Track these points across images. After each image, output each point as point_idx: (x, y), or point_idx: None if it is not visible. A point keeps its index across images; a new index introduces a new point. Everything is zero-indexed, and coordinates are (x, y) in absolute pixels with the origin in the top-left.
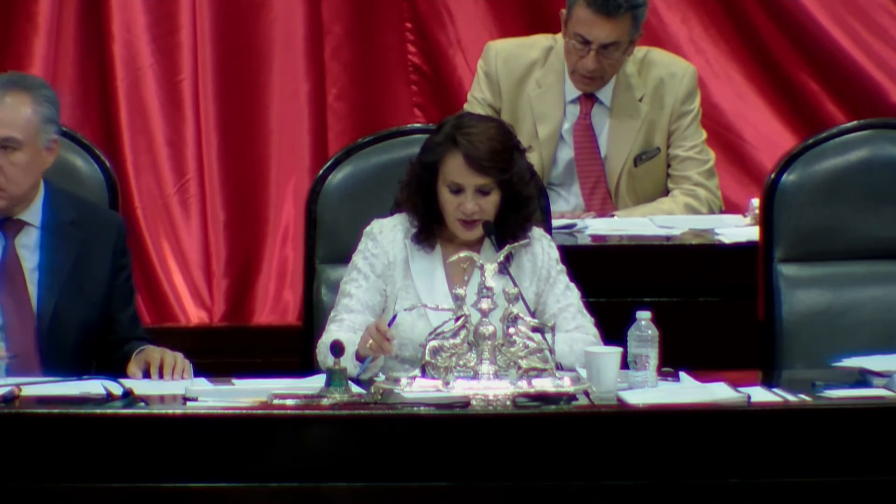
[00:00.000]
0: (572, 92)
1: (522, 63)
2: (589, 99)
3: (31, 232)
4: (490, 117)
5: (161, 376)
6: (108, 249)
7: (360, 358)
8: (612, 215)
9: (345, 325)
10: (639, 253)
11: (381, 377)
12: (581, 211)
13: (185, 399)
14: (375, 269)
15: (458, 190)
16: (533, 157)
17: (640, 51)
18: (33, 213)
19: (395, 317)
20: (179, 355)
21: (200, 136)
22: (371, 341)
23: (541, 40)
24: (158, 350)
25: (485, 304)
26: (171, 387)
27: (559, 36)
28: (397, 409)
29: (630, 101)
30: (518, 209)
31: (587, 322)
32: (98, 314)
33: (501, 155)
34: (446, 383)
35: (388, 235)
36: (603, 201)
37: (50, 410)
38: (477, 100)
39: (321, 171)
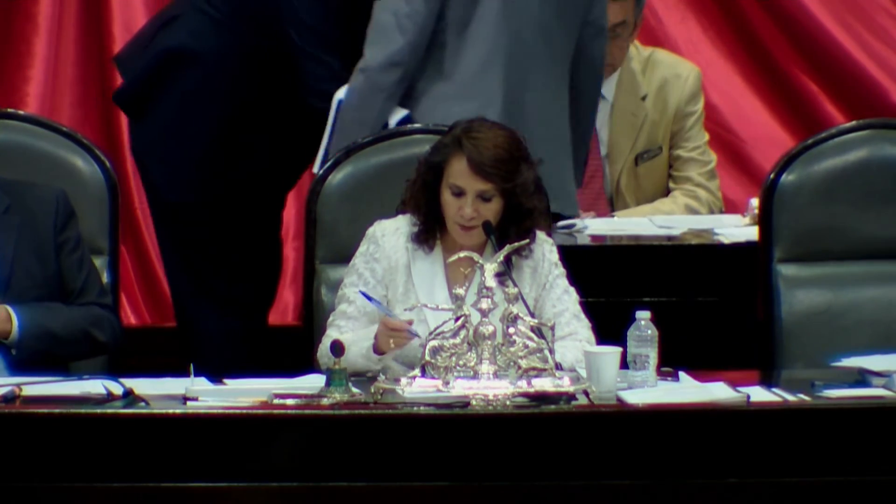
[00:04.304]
0: None
1: None
2: None
3: None
4: (502, 125)
5: None
6: (49, 226)
7: (377, 351)
8: (612, 215)
9: (342, 332)
10: (638, 253)
11: (381, 377)
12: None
13: (186, 399)
14: (376, 273)
15: (459, 193)
16: None
17: (645, 50)
18: None
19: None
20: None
21: None
22: (391, 341)
23: None
24: None
25: (485, 304)
26: (172, 386)
27: None
28: (397, 409)
29: (633, 100)
30: (519, 220)
31: (582, 327)
32: (52, 293)
33: (506, 163)
34: (446, 383)
35: (389, 240)
36: (597, 196)
37: (50, 410)
38: None
39: (321, 172)
